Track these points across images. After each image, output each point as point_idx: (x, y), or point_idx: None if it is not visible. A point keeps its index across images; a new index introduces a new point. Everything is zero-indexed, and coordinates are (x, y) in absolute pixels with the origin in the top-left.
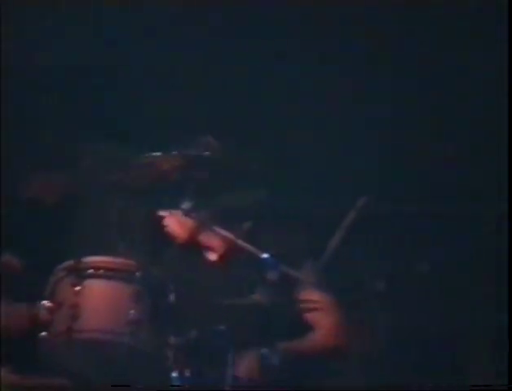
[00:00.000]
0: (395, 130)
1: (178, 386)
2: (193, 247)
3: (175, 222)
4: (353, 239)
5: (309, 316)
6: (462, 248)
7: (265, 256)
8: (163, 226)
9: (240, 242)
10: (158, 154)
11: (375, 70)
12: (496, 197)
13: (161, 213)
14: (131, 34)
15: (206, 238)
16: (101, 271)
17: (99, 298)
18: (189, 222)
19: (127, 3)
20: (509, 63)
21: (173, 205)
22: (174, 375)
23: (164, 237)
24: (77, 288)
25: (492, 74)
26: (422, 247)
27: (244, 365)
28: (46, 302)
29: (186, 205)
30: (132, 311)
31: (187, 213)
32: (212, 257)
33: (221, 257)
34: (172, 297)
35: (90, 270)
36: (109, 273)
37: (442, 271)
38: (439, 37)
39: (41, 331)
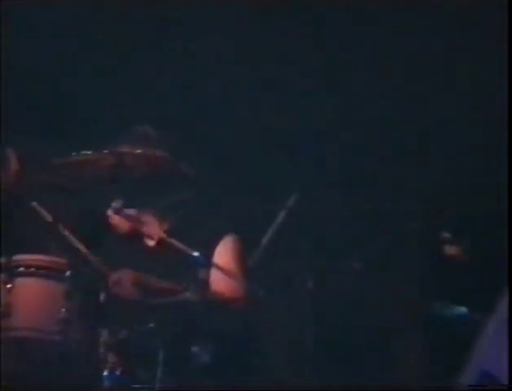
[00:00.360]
0: (330, 129)
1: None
2: (128, 245)
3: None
4: (284, 236)
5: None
6: (395, 245)
7: (196, 254)
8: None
9: (172, 240)
10: (89, 152)
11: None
12: (430, 194)
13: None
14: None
15: (144, 231)
16: (32, 269)
17: (29, 296)
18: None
19: None
20: (509, 63)
21: (105, 204)
22: (105, 374)
23: (97, 235)
24: (9, 286)
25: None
26: (355, 244)
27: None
28: None
29: (116, 203)
30: (63, 310)
31: (117, 211)
32: (150, 243)
33: (158, 244)
34: (103, 296)
35: (21, 269)
36: (40, 271)
37: (375, 268)
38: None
39: None
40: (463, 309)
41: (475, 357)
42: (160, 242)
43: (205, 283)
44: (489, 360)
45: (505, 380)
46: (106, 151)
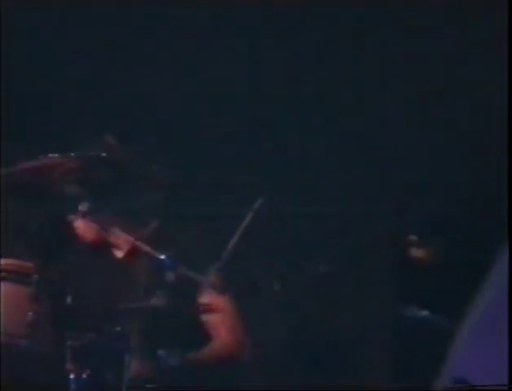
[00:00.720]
0: (292, 132)
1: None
2: (95, 249)
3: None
4: (250, 239)
5: (207, 319)
6: (358, 247)
7: (163, 257)
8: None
9: (138, 243)
10: (56, 155)
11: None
12: (390, 196)
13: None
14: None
15: (112, 236)
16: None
17: None
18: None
19: None
20: (509, 63)
21: (72, 207)
22: (72, 377)
23: (63, 239)
24: None
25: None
26: (322, 246)
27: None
28: None
29: (83, 207)
30: (30, 313)
31: (84, 215)
32: (118, 254)
33: (126, 255)
34: (70, 300)
35: None
36: (7, 275)
37: (342, 270)
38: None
39: None
40: (431, 312)
41: (449, 364)
42: (129, 252)
43: (173, 286)
44: (463, 367)
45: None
46: (72, 154)
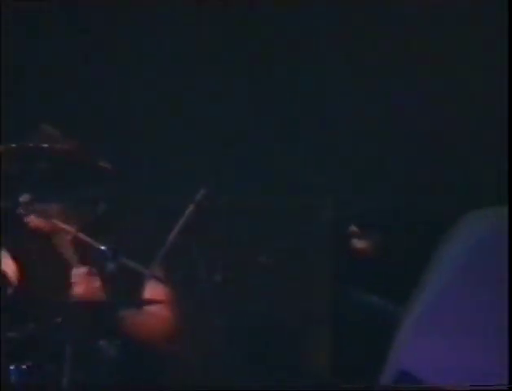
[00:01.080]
0: (238, 125)
1: None
2: (35, 240)
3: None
4: (193, 231)
5: (149, 309)
6: (303, 238)
7: (104, 248)
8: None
9: (80, 234)
10: None
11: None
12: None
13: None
14: None
15: (53, 227)
16: None
17: None
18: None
19: None
20: (509, 63)
21: (12, 198)
22: (12, 368)
23: (2, 230)
24: None
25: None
26: (261, 238)
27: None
28: None
29: (24, 198)
30: None
31: (26, 206)
32: (59, 245)
33: (67, 246)
34: (9, 291)
35: None
36: None
37: (281, 262)
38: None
39: None
40: (376, 302)
41: (393, 356)
42: (70, 243)
43: (114, 276)
44: (408, 359)
45: (424, 378)
46: (14, 145)
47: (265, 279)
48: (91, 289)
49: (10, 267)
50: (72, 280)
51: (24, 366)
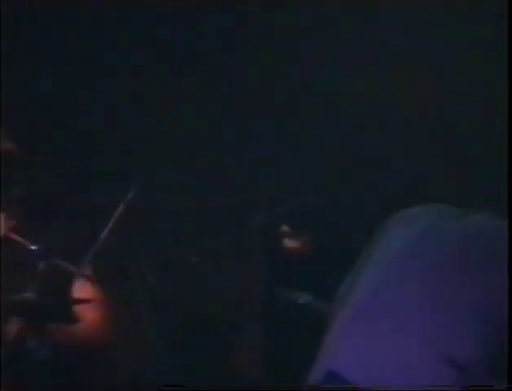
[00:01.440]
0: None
1: None
2: None
3: None
4: (123, 230)
5: (79, 309)
6: (228, 238)
7: (34, 247)
8: None
9: (10, 234)
10: None
11: None
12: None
13: None
14: None
15: None
16: None
17: None
18: None
19: None
20: (509, 63)
21: None
22: None
23: None
24: None
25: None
26: (191, 237)
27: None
28: None
29: None
30: None
31: None
32: None
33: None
34: None
35: None
36: None
37: (217, 262)
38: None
39: None
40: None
41: (322, 355)
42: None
43: (45, 276)
44: (337, 359)
45: (354, 379)
46: None
47: (198, 279)
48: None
49: None
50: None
51: None
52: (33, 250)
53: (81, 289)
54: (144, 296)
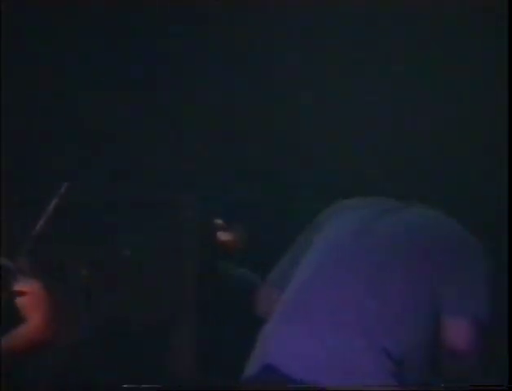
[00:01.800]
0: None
1: None
2: None
3: None
4: (57, 225)
5: (17, 304)
6: (162, 235)
7: None
8: None
9: None
10: None
11: None
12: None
13: None
14: None
15: None
16: None
17: None
18: None
19: None
20: (509, 63)
21: None
22: None
23: None
24: None
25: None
26: (124, 233)
27: None
28: None
29: None
30: None
31: None
32: None
33: None
34: None
35: None
36: None
37: (150, 258)
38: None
39: None
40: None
41: (259, 349)
42: None
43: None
44: (274, 353)
45: (291, 374)
46: None
47: (131, 276)
48: None
49: None
50: None
51: None
52: None
53: (18, 283)
54: (78, 292)
